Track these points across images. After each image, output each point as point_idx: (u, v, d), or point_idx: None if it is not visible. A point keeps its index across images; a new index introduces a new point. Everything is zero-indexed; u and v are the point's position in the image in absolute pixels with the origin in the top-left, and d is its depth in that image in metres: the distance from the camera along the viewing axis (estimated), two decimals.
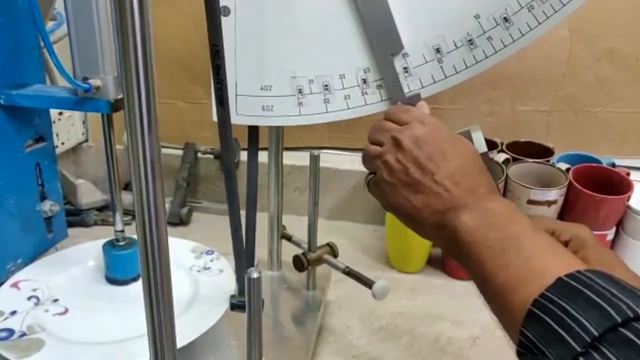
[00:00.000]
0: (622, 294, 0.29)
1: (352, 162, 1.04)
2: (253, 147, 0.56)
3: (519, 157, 0.86)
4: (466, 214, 0.38)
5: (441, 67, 0.49)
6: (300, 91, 0.52)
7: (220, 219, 1.06)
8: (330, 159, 1.03)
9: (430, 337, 0.74)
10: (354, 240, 0.98)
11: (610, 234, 0.81)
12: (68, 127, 1.04)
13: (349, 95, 0.51)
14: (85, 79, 0.56)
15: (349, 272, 0.68)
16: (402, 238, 0.88)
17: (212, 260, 0.71)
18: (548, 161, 0.85)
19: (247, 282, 0.41)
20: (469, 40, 0.48)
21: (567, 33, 0.89)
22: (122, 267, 0.66)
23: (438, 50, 0.49)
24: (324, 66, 0.51)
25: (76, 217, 0.98)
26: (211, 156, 1.05)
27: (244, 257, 0.56)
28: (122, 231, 0.66)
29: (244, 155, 1.06)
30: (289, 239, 0.77)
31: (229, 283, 0.66)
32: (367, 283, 0.66)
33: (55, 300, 0.63)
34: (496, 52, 0.47)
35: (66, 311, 0.62)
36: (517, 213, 0.39)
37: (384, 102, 0.51)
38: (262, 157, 0.61)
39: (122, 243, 0.66)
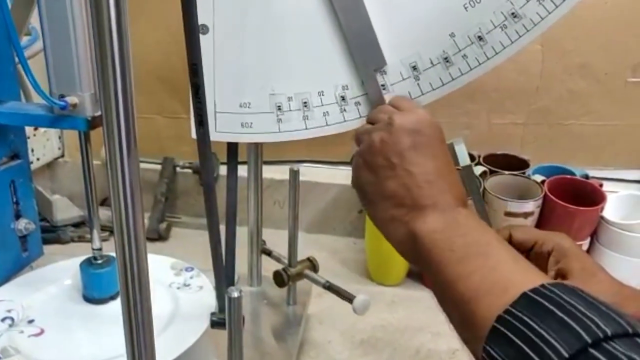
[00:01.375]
0: (589, 311, 0.28)
1: (331, 175, 1.05)
2: (232, 164, 0.56)
3: (495, 169, 0.88)
4: (432, 215, 0.38)
5: (418, 84, 0.50)
6: (279, 108, 0.52)
7: (199, 233, 1.05)
8: (308, 172, 1.03)
9: (411, 349, 0.75)
10: (334, 253, 0.98)
11: (585, 245, 0.83)
12: (43, 143, 1.02)
13: (327, 112, 0.52)
14: (61, 97, 0.56)
15: (330, 287, 0.68)
16: (382, 251, 0.88)
17: (191, 277, 0.70)
18: (524, 173, 0.87)
19: (227, 301, 0.41)
20: (445, 58, 0.49)
21: (538, 47, 0.91)
22: (100, 286, 0.65)
23: (415, 68, 0.49)
24: (303, 83, 0.51)
25: (52, 233, 0.97)
26: (190, 171, 1.04)
27: (223, 274, 0.56)
28: (100, 249, 0.65)
29: (222, 170, 1.06)
30: (268, 254, 0.77)
31: (209, 300, 0.65)
32: (348, 298, 0.66)
33: (31, 321, 0.62)
34: (471, 69, 0.48)
35: (42, 332, 0.61)
36: (484, 224, 0.38)
37: (362, 119, 0.52)
38: (241, 171, 0.61)
39: (99, 261, 0.65)
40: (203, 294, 0.67)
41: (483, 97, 0.96)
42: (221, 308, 0.60)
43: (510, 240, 0.48)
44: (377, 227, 0.42)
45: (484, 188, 0.82)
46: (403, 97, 0.48)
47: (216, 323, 0.59)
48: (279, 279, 0.70)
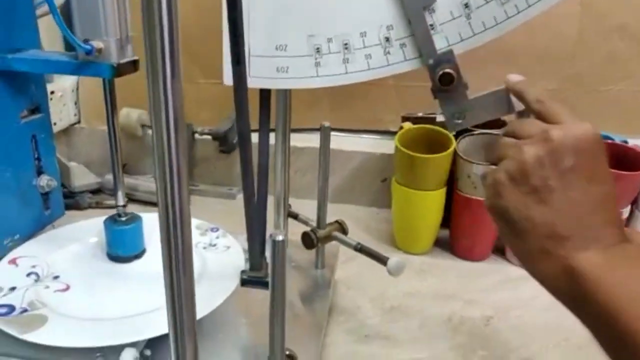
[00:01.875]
0: None
1: (354, 143, 1.02)
2: (265, 112, 0.53)
3: None
4: (595, 249, 0.33)
5: (469, 23, 0.46)
6: (318, 50, 0.49)
7: (218, 202, 1.03)
8: (331, 140, 1.00)
9: (443, 317, 0.72)
10: (357, 222, 0.96)
11: (625, 213, 0.80)
12: (60, 108, 1.00)
13: (370, 55, 0.48)
14: (86, 42, 0.53)
15: (361, 249, 0.66)
16: (409, 219, 0.86)
17: (217, 237, 0.68)
18: None
19: (272, 245, 0.39)
20: None
21: (577, 9, 0.87)
22: (125, 244, 0.63)
23: (466, 5, 0.46)
24: (344, 23, 0.48)
25: (70, 199, 0.95)
26: (209, 137, 1.02)
27: (257, 228, 0.53)
28: (125, 206, 0.63)
29: None
30: (295, 217, 0.74)
31: (237, 259, 0.63)
32: (381, 259, 0.63)
33: (56, 277, 0.60)
34: (529, 5, 0.45)
35: (68, 288, 0.59)
36: None
37: (407, 62, 0.48)
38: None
39: (124, 218, 0.63)
40: (230, 254, 0.65)
41: (513, 60, 0.92)
42: (252, 266, 0.57)
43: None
44: (521, 258, 0.37)
45: None
46: (556, 103, 0.39)
47: (247, 281, 0.57)
48: (308, 240, 0.68)
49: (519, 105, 0.46)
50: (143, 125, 0.99)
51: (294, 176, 1.02)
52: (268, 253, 0.58)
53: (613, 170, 0.74)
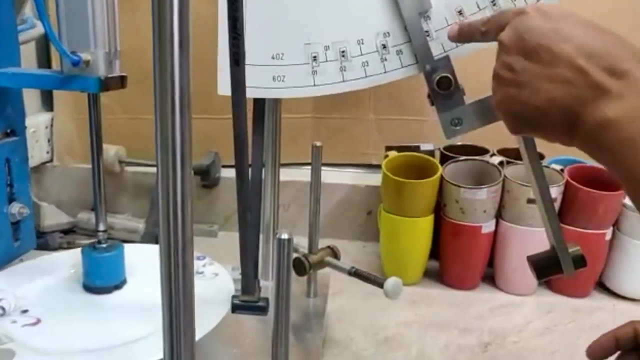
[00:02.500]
0: None
1: (338, 177, 1.01)
2: (259, 126, 0.52)
3: (511, 160, 0.85)
4: (612, 103, 0.30)
5: None
6: (314, 59, 0.49)
7: (199, 240, 0.98)
8: None
9: (439, 345, 0.69)
10: (344, 256, 0.91)
11: (608, 234, 0.80)
12: (32, 144, 0.95)
13: (367, 62, 0.48)
14: (73, 54, 0.51)
15: (356, 273, 0.63)
16: (398, 247, 0.84)
17: (204, 265, 0.64)
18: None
19: (277, 245, 0.36)
20: (493, 2, 0.46)
21: None
22: (104, 273, 0.59)
23: (461, 13, 0.47)
24: (341, 31, 0.48)
25: (39, 239, 0.89)
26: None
27: (250, 248, 0.51)
28: (105, 231, 0.59)
29: (225, 172, 1.00)
30: None
31: (226, 286, 0.59)
32: (378, 282, 0.61)
33: (25, 311, 0.55)
34: None
35: (38, 322, 0.54)
36: None
37: (404, 69, 0.48)
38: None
39: (104, 245, 0.59)
40: (219, 281, 0.61)
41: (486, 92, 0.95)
42: (245, 289, 0.54)
43: (636, 337, 0.44)
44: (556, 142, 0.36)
45: (505, 176, 0.80)
46: (497, 14, 0.40)
47: (239, 306, 0.53)
48: (300, 266, 0.65)
49: None
50: (121, 162, 0.95)
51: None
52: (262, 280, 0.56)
53: (594, 191, 0.76)
